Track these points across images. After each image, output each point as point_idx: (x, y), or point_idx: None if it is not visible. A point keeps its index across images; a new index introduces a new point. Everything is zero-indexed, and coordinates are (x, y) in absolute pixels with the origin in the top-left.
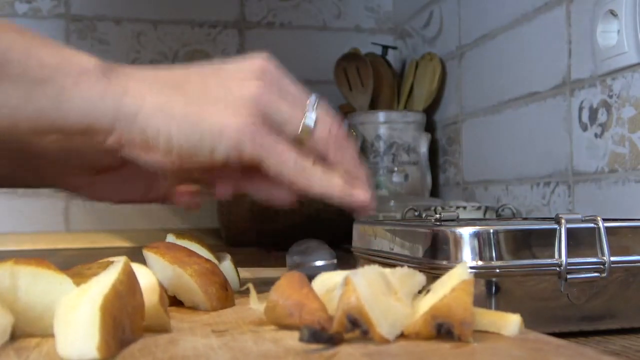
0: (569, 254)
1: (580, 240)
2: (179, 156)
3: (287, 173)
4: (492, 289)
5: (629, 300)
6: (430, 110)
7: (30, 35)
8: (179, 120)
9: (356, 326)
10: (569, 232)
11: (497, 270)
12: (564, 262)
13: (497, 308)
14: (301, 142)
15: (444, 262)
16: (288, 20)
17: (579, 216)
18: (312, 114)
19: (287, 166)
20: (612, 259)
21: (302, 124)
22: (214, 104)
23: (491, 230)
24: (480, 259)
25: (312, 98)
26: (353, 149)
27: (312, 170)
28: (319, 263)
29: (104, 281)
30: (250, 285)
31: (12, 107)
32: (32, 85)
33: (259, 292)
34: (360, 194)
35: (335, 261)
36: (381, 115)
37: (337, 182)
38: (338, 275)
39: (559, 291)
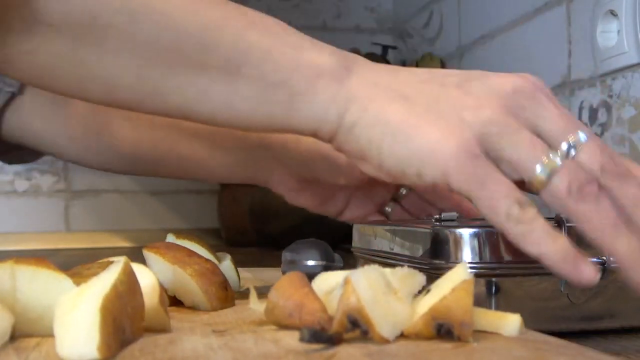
0: None
1: (580, 239)
2: (388, 172)
3: (495, 221)
4: (492, 289)
5: (629, 300)
6: None
7: (273, 31)
8: (392, 134)
9: (356, 326)
10: (569, 231)
11: (497, 271)
12: None
13: (497, 308)
14: (529, 190)
15: (444, 262)
16: (288, 20)
17: None
18: (555, 159)
19: (496, 213)
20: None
21: (534, 174)
22: (434, 121)
23: (492, 231)
24: (480, 259)
25: (571, 143)
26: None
27: (531, 226)
28: (310, 262)
29: (104, 281)
30: (250, 285)
31: (244, 110)
32: (265, 88)
33: (259, 292)
34: (585, 271)
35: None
36: None
37: (560, 246)
38: (338, 275)
39: (559, 291)
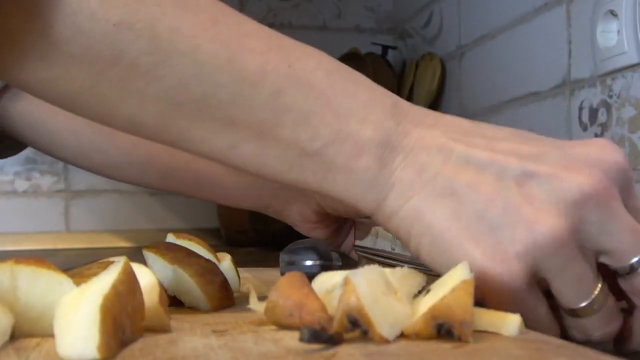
0: None
1: None
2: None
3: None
4: None
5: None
6: (431, 110)
7: (318, 87)
8: (432, 239)
9: (356, 326)
10: None
11: None
12: None
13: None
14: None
15: None
16: (288, 20)
17: None
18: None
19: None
20: None
21: (578, 307)
22: (480, 237)
23: None
24: None
25: (634, 264)
26: None
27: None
28: (308, 263)
29: (104, 281)
30: (250, 285)
31: (276, 169)
32: (299, 155)
33: (258, 292)
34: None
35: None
36: None
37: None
38: (338, 275)
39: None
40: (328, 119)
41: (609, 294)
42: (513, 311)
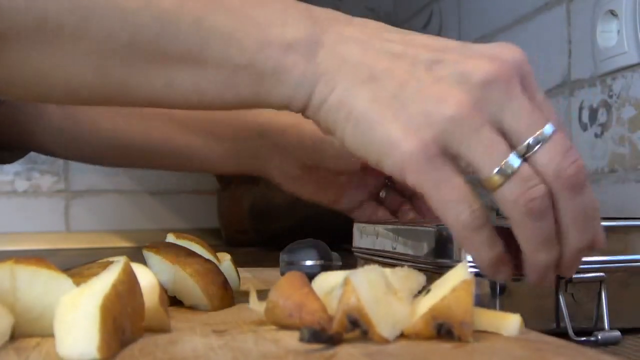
0: None
1: None
2: (352, 152)
3: (444, 221)
4: (496, 289)
5: (629, 301)
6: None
7: (236, 9)
8: (355, 121)
9: (356, 326)
10: None
11: None
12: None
13: (500, 307)
14: (488, 189)
15: (448, 261)
16: None
17: None
18: (512, 164)
19: (445, 216)
20: (612, 258)
21: (488, 177)
22: (397, 113)
23: (499, 227)
24: None
25: (531, 142)
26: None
27: (475, 234)
28: (308, 263)
29: (104, 281)
30: (250, 285)
31: (213, 94)
32: (231, 72)
33: (259, 292)
34: (501, 274)
35: (323, 262)
36: None
37: (494, 254)
38: (338, 275)
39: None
40: (250, 30)
41: (524, 165)
42: (430, 183)
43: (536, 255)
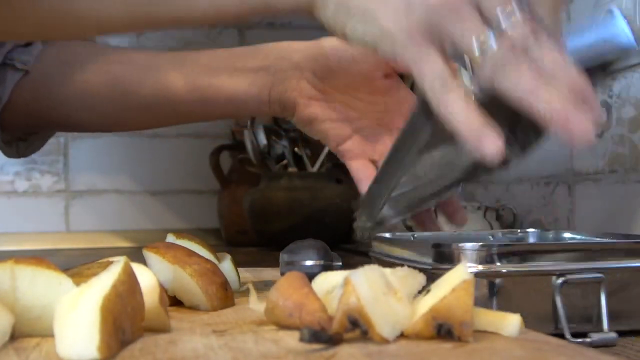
0: None
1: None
2: (354, 44)
3: (426, 87)
4: (494, 290)
5: (628, 302)
6: None
7: None
8: (352, 17)
9: (356, 326)
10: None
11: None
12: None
13: (499, 308)
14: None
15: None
16: (288, 20)
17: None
18: (489, 37)
19: (427, 80)
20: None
21: (470, 48)
22: (386, 5)
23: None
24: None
25: (505, 13)
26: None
27: (453, 94)
28: (308, 263)
29: (104, 281)
30: (250, 285)
31: (230, 5)
32: None
33: (259, 292)
34: (487, 144)
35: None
36: None
37: (470, 113)
38: (338, 275)
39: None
40: None
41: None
42: (413, 58)
43: (537, 94)
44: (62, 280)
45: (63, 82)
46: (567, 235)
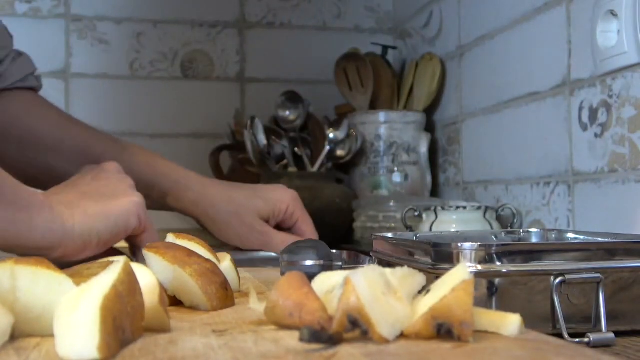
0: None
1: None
2: (107, 243)
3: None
4: (493, 290)
5: (627, 302)
6: (430, 110)
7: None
8: (99, 219)
9: (356, 326)
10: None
11: (504, 270)
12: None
13: (498, 308)
14: None
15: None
16: (288, 20)
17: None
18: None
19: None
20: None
21: None
22: (109, 198)
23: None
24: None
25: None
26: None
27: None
28: (308, 263)
29: (104, 281)
30: (250, 285)
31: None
32: (15, 211)
33: (259, 292)
34: None
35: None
36: (381, 115)
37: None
38: (338, 275)
39: (559, 292)
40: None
41: None
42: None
43: None
44: (62, 280)
45: None
46: (567, 235)
